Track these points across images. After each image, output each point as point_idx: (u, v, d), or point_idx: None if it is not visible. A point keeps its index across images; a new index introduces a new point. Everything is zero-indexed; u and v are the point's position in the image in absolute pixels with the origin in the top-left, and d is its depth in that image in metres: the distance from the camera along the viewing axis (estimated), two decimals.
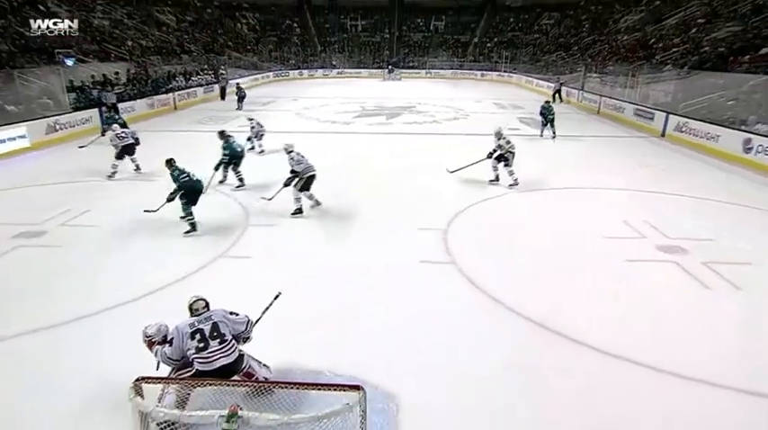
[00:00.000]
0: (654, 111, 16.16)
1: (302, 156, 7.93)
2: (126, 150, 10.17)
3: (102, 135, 12.73)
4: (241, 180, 9.48)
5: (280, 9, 45.51)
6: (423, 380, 4.17)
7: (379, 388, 3.95)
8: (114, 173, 10.12)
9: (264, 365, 3.87)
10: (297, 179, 7.87)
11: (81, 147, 12.75)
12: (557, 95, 23.40)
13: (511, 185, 9.54)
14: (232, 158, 9.24)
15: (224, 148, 9.21)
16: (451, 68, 40.27)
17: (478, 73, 38.88)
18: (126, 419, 2.94)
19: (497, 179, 9.80)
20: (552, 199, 9.14)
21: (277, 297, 4.20)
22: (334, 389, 2.77)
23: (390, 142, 14.58)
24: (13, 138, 12.35)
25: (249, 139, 12.39)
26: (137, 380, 2.81)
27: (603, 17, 33.04)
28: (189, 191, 6.99)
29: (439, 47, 42.78)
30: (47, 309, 5.22)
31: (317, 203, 8.27)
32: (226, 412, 2.48)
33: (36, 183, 9.83)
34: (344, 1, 46.38)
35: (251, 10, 43.90)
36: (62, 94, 15.48)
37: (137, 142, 10.40)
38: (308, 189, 8.02)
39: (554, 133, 14.77)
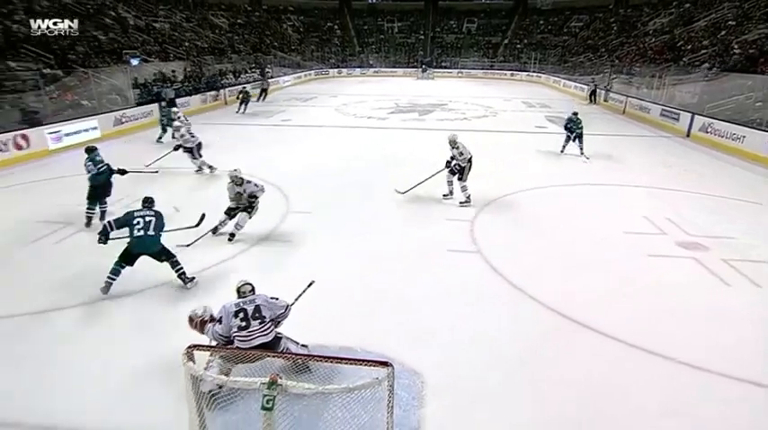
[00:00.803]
0: (679, 111, 15.39)
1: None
2: (196, 148, 10.14)
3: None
4: (104, 211, 7.30)
5: (322, 12, 45.78)
6: (447, 360, 4.17)
7: (406, 365, 3.98)
8: (204, 165, 10.08)
9: (303, 346, 3.95)
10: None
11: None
12: (592, 96, 22.43)
13: (462, 203, 8.02)
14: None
15: (86, 166, 7.24)
16: (482, 68, 39.41)
17: (508, 73, 37.95)
18: (177, 383, 3.07)
19: (451, 194, 8.35)
20: (575, 194, 8.89)
21: (310, 285, 4.19)
22: (365, 365, 2.81)
23: (423, 137, 14.46)
24: (87, 130, 13.01)
25: (169, 125, 12.09)
26: (188, 347, 2.91)
27: (632, 20, 31.59)
28: (130, 241, 5.21)
29: (470, 48, 41.96)
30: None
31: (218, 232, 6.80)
32: (267, 380, 2.56)
33: None
34: (382, 5, 46.17)
35: (295, 13, 44.28)
36: (128, 90, 16.12)
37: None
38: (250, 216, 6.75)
39: (581, 150, 11.48)
